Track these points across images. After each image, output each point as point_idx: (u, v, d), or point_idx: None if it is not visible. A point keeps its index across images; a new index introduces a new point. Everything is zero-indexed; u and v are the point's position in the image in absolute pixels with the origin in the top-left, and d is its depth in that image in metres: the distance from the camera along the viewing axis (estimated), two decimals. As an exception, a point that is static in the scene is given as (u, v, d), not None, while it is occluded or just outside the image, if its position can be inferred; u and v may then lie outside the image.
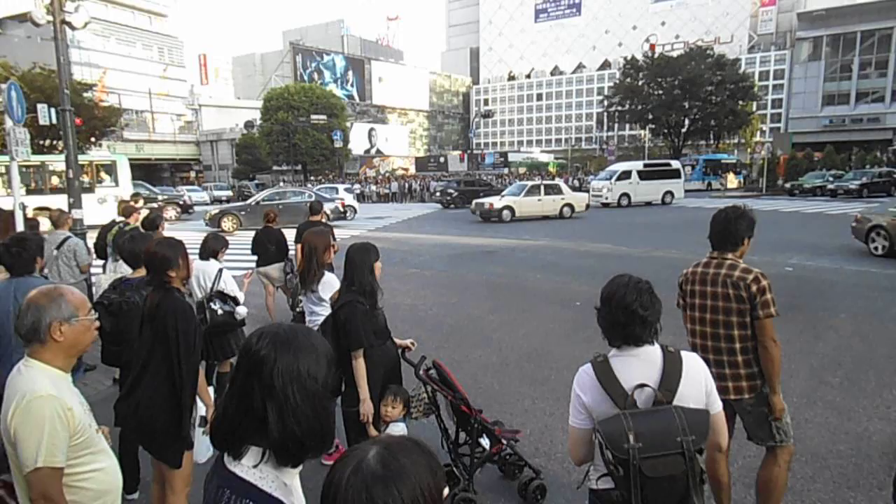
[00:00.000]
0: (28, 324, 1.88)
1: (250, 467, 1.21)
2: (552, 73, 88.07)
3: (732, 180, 39.83)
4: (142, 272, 3.80)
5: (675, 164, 32.31)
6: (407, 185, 43.04)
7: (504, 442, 3.60)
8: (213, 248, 5.04)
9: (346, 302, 3.20)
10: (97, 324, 2.06)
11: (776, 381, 2.97)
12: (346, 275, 3.30)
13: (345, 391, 3.27)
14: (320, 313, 4.05)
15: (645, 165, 31.21)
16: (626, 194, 28.59)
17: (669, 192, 29.31)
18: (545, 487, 3.56)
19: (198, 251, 4.98)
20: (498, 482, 3.81)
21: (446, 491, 0.98)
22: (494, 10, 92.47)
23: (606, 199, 28.65)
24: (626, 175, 29.26)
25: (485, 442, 3.58)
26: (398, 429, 3.18)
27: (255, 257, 7.92)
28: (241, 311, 4.81)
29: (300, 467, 1.26)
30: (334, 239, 4.68)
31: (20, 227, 7.27)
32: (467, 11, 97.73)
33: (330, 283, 4.06)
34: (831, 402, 4.91)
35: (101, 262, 6.63)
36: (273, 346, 1.21)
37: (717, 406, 2.05)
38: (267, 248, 7.72)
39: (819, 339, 6.60)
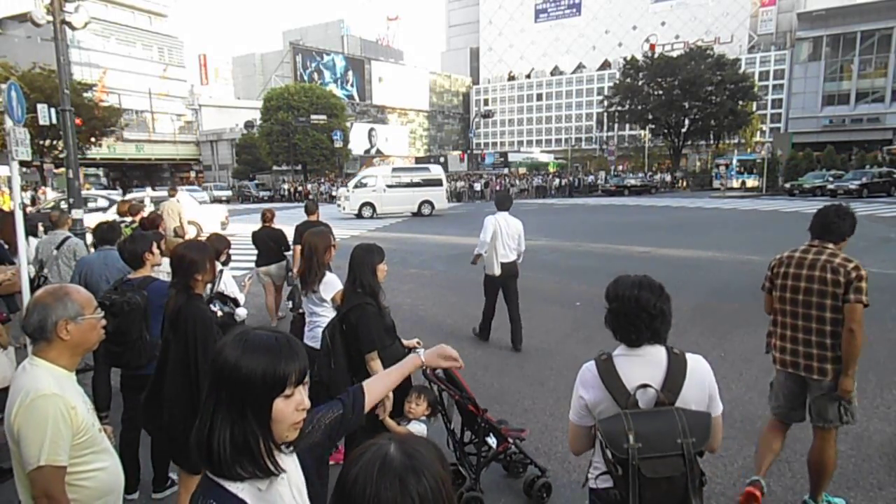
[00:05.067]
0: (35, 322, 1.89)
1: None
2: (552, 73, 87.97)
3: None
4: (143, 272, 3.81)
5: (435, 169, 28.22)
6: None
7: (511, 440, 3.62)
8: (216, 248, 5.04)
9: (356, 305, 3.17)
10: (103, 322, 2.07)
11: (853, 363, 3.13)
12: (351, 275, 3.27)
13: None
14: (321, 314, 4.04)
15: (395, 170, 27.46)
16: (368, 204, 24.99)
17: (428, 202, 25.76)
18: (550, 485, 3.58)
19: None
20: (501, 480, 3.83)
21: None
22: (494, 10, 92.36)
23: (343, 209, 25.26)
24: (370, 181, 25.82)
25: (491, 441, 3.61)
26: (420, 428, 3.17)
27: (253, 258, 7.95)
28: (241, 312, 4.80)
29: (278, 475, 1.24)
30: (333, 238, 4.67)
31: (20, 227, 7.25)
32: (467, 11, 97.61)
33: (331, 284, 4.04)
34: (831, 402, 4.91)
35: None
36: (225, 348, 1.21)
37: (717, 409, 2.05)
38: (268, 246, 7.78)
39: (819, 339, 6.60)
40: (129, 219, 8.03)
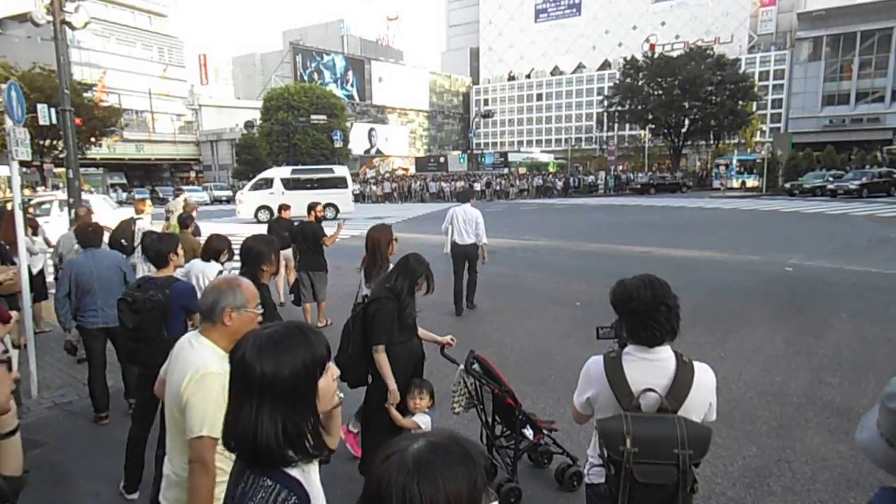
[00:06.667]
0: (208, 303, 2.12)
1: None
2: (552, 73, 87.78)
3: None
4: (166, 271, 3.90)
5: (340, 170, 26.40)
6: (405, 186, 42.56)
7: (545, 432, 3.75)
8: (216, 248, 5.03)
9: (377, 298, 3.35)
10: (260, 318, 2.20)
11: None
12: (393, 273, 3.45)
13: (372, 383, 3.42)
14: None
15: (294, 172, 25.60)
16: (265, 207, 22.80)
17: (332, 205, 23.41)
18: (581, 474, 3.63)
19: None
20: (528, 470, 3.91)
21: None
22: (494, 10, 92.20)
23: (239, 213, 23.29)
24: (266, 183, 23.96)
25: (528, 433, 3.74)
26: (425, 419, 3.26)
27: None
28: None
29: (322, 454, 1.34)
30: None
31: (20, 226, 7.26)
32: (467, 11, 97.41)
33: None
34: (831, 402, 4.92)
35: None
36: (247, 351, 1.27)
37: (712, 417, 2.08)
38: (281, 234, 8.42)
39: (819, 340, 6.60)
40: (146, 216, 8.33)
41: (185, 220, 7.25)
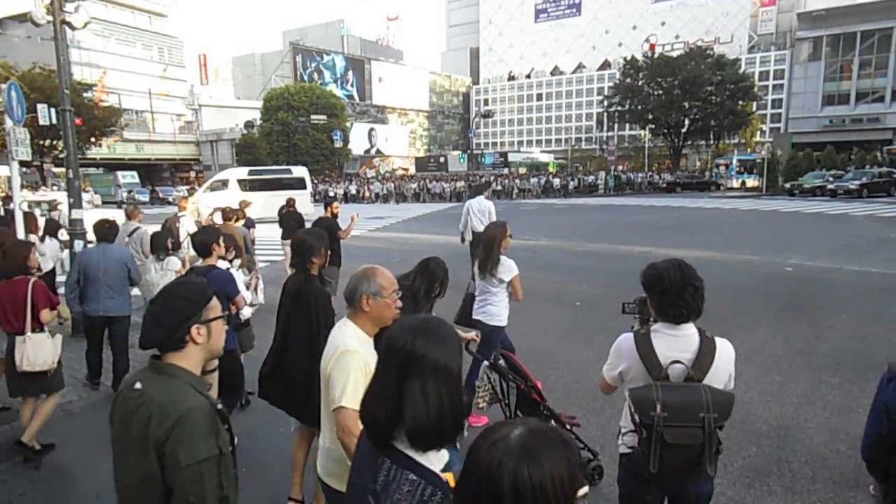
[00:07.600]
0: (349, 291, 2.32)
1: (408, 446, 1.35)
2: (552, 73, 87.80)
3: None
4: (209, 261, 4.28)
5: (299, 171, 26.41)
6: (401, 188, 41.88)
7: (569, 427, 3.79)
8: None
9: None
10: (399, 304, 2.36)
11: None
12: (412, 272, 3.56)
13: None
14: (496, 293, 4.63)
15: (251, 173, 25.51)
16: (219, 210, 23.82)
17: None
18: (602, 469, 3.66)
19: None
20: None
21: (584, 490, 1.00)
22: (494, 10, 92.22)
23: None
24: (222, 185, 23.75)
25: None
26: None
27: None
28: (246, 312, 4.85)
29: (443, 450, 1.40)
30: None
31: (20, 225, 7.28)
32: (467, 11, 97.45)
33: (510, 267, 4.58)
34: (831, 402, 4.92)
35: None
36: (415, 340, 1.37)
37: (731, 385, 2.31)
38: (291, 224, 9.31)
39: (819, 339, 6.60)
40: (188, 214, 9.04)
41: (229, 214, 7.87)
